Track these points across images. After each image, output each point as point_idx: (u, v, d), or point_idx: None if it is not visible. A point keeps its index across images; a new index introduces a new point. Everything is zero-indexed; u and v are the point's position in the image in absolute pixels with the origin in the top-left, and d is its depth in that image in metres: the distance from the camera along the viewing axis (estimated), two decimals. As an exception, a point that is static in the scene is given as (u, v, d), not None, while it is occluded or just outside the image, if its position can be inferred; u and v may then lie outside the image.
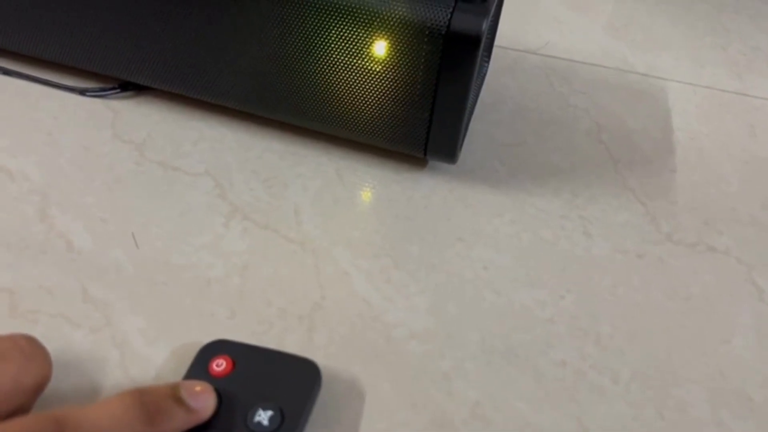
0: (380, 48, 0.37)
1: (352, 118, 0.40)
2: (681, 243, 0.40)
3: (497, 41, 0.53)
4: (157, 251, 0.37)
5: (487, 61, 0.47)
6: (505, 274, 0.37)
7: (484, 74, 0.47)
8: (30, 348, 0.27)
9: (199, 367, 0.30)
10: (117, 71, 0.43)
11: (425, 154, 0.40)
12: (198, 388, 0.28)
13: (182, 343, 0.32)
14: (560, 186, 0.42)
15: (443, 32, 0.35)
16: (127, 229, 0.37)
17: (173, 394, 0.27)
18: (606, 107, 0.49)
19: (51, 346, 0.28)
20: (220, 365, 0.30)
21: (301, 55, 0.38)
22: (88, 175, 0.40)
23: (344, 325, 0.34)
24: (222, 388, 0.29)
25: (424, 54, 0.36)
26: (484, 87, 0.48)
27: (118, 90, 0.45)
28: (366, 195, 0.41)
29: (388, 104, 0.38)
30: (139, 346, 0.32)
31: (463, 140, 0.41)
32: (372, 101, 0.39)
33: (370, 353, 0.33)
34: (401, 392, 0.32)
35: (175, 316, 0.34)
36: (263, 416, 0.29)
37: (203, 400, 0.28)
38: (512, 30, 0.55)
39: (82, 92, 0.44)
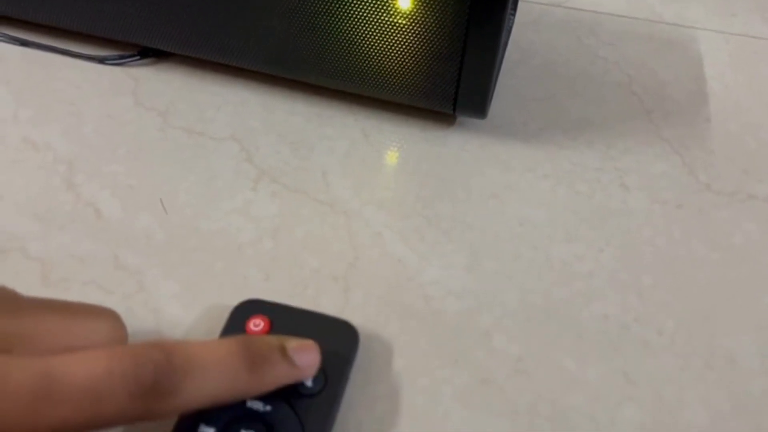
0: (406, 1, 0.36)
1: (379, 75, 0.39)
2: (721, 192, 0.39)
3: (520, -4, 0.52)
4: (186, 217, 0.36)
5: (513, 15, 0.46)
6: (541, 229, 0.37)
7: (510, 28, 0.46)
8: (108, 310, 0.27)
9: (235, 327, 0.30)
10: (135, 37, 0.42)
11: (454, 110, 0.39)
12: (306, 346, 0.27)
13: (217, 306, 0.32)
14: (593, 139, 0.41)
15: (472, -20, 0.34)
16: (155, 195, 0.37)
17: (280, 347, 0.26)
18: (636, 58, 0.47)
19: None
20: (257, 325, 0.30)
21: (324, 11, 0.37)
22: (113, 143, 0.39)
23: (379, 285, 0.34)
24: None
25: (451, 5, 0.35)
26: (510, 42, 0.47)
27: (138, 57, 0.44)
28: (394, 154, 0.40)
29: (416, 59, 0.37)
30: (174, 310, 0.32)
31: (492, 95, 0.40)
32: (399, 57, 0.37)
33: (408, 312, 0.33)
34: (441, 350, 0.31)
35: (208, 280, 0.33)
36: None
37: (309, 359, 0.27)
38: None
39: (101, 60, 0.44)
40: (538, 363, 0.31)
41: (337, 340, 0.30)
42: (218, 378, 0.24)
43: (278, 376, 0.26)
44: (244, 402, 0.27)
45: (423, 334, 0.32)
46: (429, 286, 0.34)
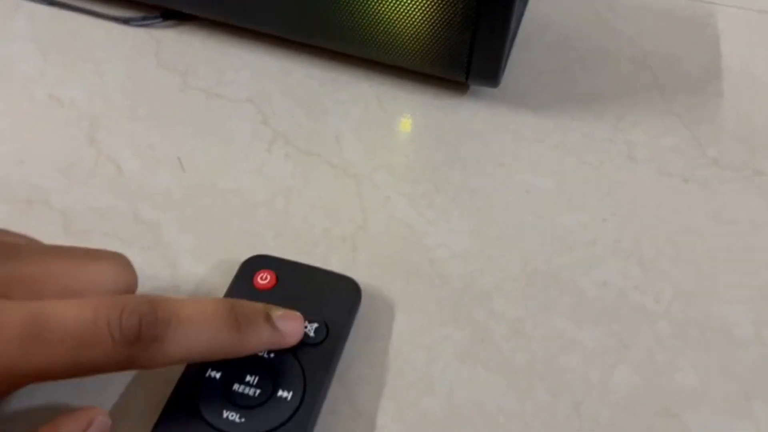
0: (422, -31, 0.36)
1: (394, 41, 0.39)
2: (727, 167, 0.39)
3: (540, -33, 0.52)
4: (203, 175, 0.37)
5: (530, -14, 0.46)
6: (548, 197, 0.37)
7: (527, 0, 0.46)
8: (121, 256, 0.28)
9: (243, 280, 0.31)
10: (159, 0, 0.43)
11: (467, 78, 0.40)
12: (290, 315, 0.28)
13: (229, 261, 0.33)
14: (604, 111, 0.42)
15: (487, -51, 0.34)
16: (174, 153, 0.38)
17: (265, 312, 0.27)
18: (652, 33, 0.48)
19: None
20: (264, 279, 0.31)
21: (341, -23, 0.38)
22: (134, 102, 0.41)
23: (386, 246, 0.35)
24: (267, 301, 0.30)
25: (466, -27, 0.35)
26: (526, 14, 0.47)
27: (161, 19, 0.45)
28: (407, 121, 0.41)
29: (430, 26, 0.38)
30: (188, 263, 0.33)
31: (505, 65, 0.41)
32: (414, 23, 0.38)
33: (412, 273, 0.34)
34: (443, 309, 0.33)
35: (223, 236, 0.35)
36: (309, 328, 0.29)
37: (292, 327, 0.28)
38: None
39: (125, 22, 0.45)
40: (537, 325, 0.32)
41: (341, 295, 0.31)
42: (201, 333, 0.25)
43: (260, 338, 0.27)
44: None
45: (426, 294, 0.33)
46: (434, 249, 0.35)
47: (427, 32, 0.38)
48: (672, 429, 0.29)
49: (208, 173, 0.37)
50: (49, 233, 0.34)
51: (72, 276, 0.26)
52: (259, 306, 0.28)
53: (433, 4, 0.37)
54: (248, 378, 0.28)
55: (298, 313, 0.29)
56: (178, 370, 0.28)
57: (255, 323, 0.27)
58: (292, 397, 0.27)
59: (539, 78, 0.44)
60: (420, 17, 0.38)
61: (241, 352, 0.27)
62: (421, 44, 0.39)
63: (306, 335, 0.29)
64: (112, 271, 0.27)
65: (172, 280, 0.33)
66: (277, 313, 0.28)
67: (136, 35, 0.45)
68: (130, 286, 0.28)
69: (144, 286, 0.32)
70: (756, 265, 0.35)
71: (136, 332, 0.24)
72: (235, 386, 0.28)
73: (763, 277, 0.34)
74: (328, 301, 0.31)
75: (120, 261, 0.28)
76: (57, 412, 0.26)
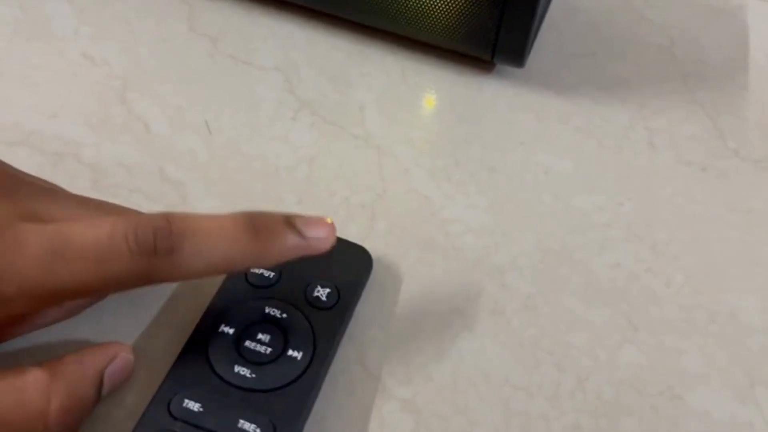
0: (454, -55, 0.36)
1: (421, 16, 0.40)
2: (747, 159, 0.39)
3: (572, -49, 0.52)
4: (229, 139, 0.38)
5: (561, -31, 0.46)
6: (565, 179, 0.38)
7: (557, -18, 0.46)
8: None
9: None
10: (193, -35, 0.44)
11: (493, 56, 0.40)
12: (317, 220, 0.27)
13: (251, 223, 0.34)
14: (628, 97, 0.42)
15: (520, -72, 0.34)
16: (201, 116, 0.39)
17: (286, 220, 0.27)
18: (681, 23, 0.47)
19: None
20: (280, 242, 0.32)
21: (374, -50, 0.38)
22: (165, 64, 0.42)
23: (404, 217, 0.36)
24: (282, 263, 0.31)
25: (498, -48, 0.36)
26: (555, -3, 0.47)
27: (194, -16, 0.46)
28: (430, 96, 0.41)
29: (458, 2, 0.38)
30: (212, 222, 0.34)
31: (531, 46, 0.41)
32: None
33: (427, 244, 0.35)
34: (455, 281, 0.33)
35: (246, 199, 0.36)
36: (321, 292, 0.30)
37: (318, 231, 0.27)
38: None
39: (159, -15, 0.46)
40: (547, 301, 0.33)
41: (353, 262, 0.32)
42: (219, 243, 0.25)
43: (285, 245, 0.26)
44: (263, 308, 0.29)
45: (440, 266, 0.34)
46: (450, 222, 0.36)
47: (454, 9, 0.39)
48: (675, 409, 0.30)
49: (234, 137, 0.38)
50: (78, 186, 0.35)
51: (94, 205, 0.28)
52: (280, 214, 0.27)
53: (463, -19, 0.37)
54: (260, 336, 0.29)
55: (325, 218, 0.27)
56: (194, 319, 0.29)
57: (276, 231, 0.26)
58: (302, 356, 0.28)
59: (566, 60, 0.44)
60: (449, -7, 0.38)
61: (265, 261, 0.27)
62: (448, 20, 0.39)
63: (318, 299, 0.30)
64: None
65: (195, 238, 0.34)
66: (302, 218, 0.27)
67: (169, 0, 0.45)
68: None
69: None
70: (767, 256, 0.35)
71: (152, 244, 0.24)
72: (247, 343, 0.29)
73: (775, 268, 0.35)
74: (341, 268, 0.32)
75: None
76: (77, 349, 0.27)
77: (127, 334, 0.30)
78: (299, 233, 0.26)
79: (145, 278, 0.25)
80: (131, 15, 0.44)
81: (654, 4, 0.49)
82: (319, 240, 0.27)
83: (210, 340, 0.29)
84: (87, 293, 0.26)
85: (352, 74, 0.42)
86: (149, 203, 0.35)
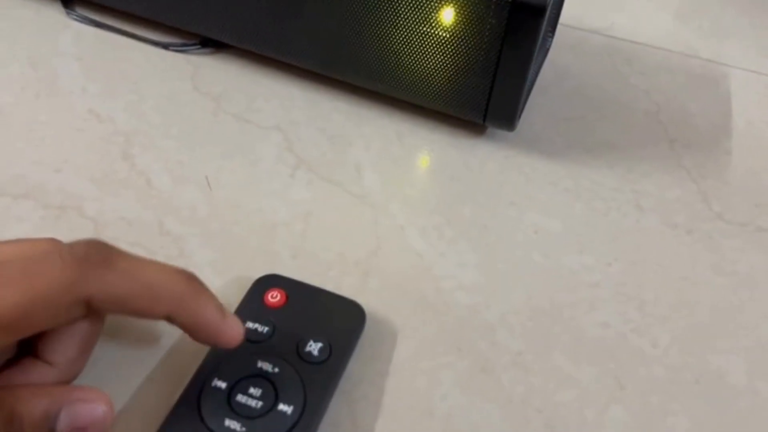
0: (448, 15, 0.38)
1: (417, 82, 0.42)
2: (731, 222, 0.40)
3: (562, 20, 0.54)
4: (228, 194, 0.39)
5: (551, 37, 0.48)
6: (555, 239, 0.39)
7: (547, 49, 0.48)
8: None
9: (254, 297, 0.33)
10: (198, 28, 0.46)
11: (484, 120, 0.42)
12: (237, 319, 0.28)
13: (245, 277, 0.35)
14: (615, 161, 0.43)
15: (509, 2, 0.36)
16: (202, 172, 0.40)
17: (217, 300, 0.28)
18: (666, 89, 0.49)
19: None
20: (275, 297, 0.33)
21: (372, 19, 0.40)
22: (168, 121, 0.43)
23: (396, 273, 0.36)
24: (276, 317, 0.32)
25: (489, 22, 0.37)
26: (546, 63, 0.49)
27: (199, 46, 0.47)
28: (424, 157, 0.43)
29: (452, 70, 0.40)
30: (208, 276, 0.35)
31: (522, 110, 0.43)
32: (437, 66, 0.40)
33: (419, 301, 0.35)
34: (446, 337, 0.34)
35: (243, 252, 0.36)
36: (314, 347, 0.31)
37: (236, 321, 0.28)
38: (578, 9, 0.56)
39: (165, 46, 0.47)
40: (536, 359, 0.33)
41: (346, 317, 0.33)
42: (153, 269, 0.26)
43: (208, 310, 0.27)
44: (255, 361, 0.30)
45: (431, 322, 0.34)
46: (442, 279, 0.36)
47: (449, 76, 0.40)
48: (661, 469, 0.30)
49: (233, 193, 0.39)
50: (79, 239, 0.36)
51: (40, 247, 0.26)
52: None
53: (457, 50, 0.39)
54: (251, 390, 0.29)
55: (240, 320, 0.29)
56: (185, 378, 0.30)
57: (206, 294, 0.27)
58: (293, 411, 0.29)
59: (555, 124, 0.46)
60: (444, 61, 0.40)
61: (185, 309, 0.26)
62: (442, 87, 0.41)
63: (310, 354, 0.31)
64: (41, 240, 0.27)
65: (191, 291, 0.35)
66: (228, 311, 0.28)
67: (175, 60, 0.47)
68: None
69: (164, 295, 0.34)
70: (754, 318, 0.36)
71: (84, 252, 0.24)
72: (239, 397, 0.29)
73: (760, 330, 0.35)
74: (334, 323, 0.32)
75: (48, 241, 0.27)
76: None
77: (123, 387, 0.31)
78: (222, 311, 0.27)
79: (73, 296, 0.24)
80: (137, 74, 0.46)
81: (641, 70, 0.51)
82: (232, 328, 0.28)
83: (202, 394, 0.29)
84: (14, 314, 0.23)
85: (350, 134, 0.44)
86: (148, 255, 0.35)
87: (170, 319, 0.27)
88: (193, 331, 0.27)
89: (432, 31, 0.39)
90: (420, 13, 0.39)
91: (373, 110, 0.45)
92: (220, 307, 0.28)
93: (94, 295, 0.24)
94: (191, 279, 0.27)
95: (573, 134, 0.45)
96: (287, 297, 0.33)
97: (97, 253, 0.25)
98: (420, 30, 0.39)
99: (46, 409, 0.25)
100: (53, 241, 0.25)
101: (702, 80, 0.51)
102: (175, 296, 0.26)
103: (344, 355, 0.31)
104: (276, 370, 0.30)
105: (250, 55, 0.48)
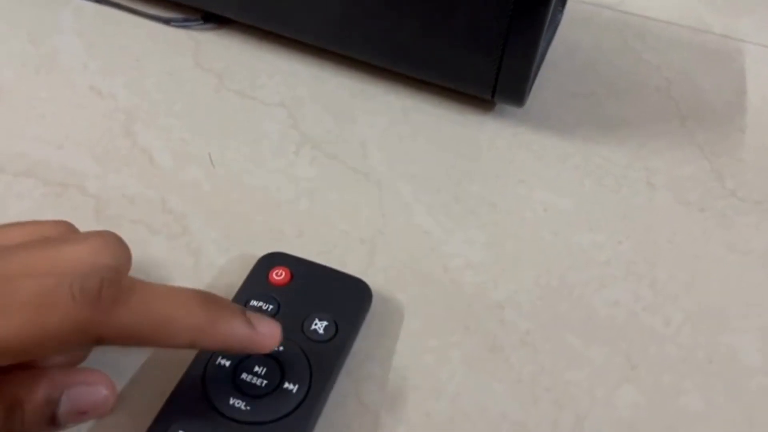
0: (456, -13, 0.37)
1: (424, 57, 0.41)
2: (745, 200, 0.40)
3: (572, -5, 0.53)
4: (231, 172, 0.39)
5: (561, 11, 0.47)
6: (565, 216, 0.38)
7: (557, 24, 0.47)
8: (110, 236, 0.27)
9: (258, 275, 0.32)
10: (201, 3, 0.45)
11: (493, 96, 0.41)
12: (268, 319, 0.27)
13: (250, 255, 0.34)
14: (626, 137, 0.43)
15: (520, -28, 0.35)
16: (205, 149, 0.40)
17: (239, 307, 0.27)
18: (679, 65, 0.48)
19: (131, 249, 0.30)
20: (279, 275, 0.32)
21: (378, -9, 0.39)
22: (170, 98, 0.42)
23: (403, 251, 0.36)
24: (281, 295, 0.31)
25: (499, -6, 0.37)
26: (556, 38, 0.48)
27: (201, 21, 0.47)
28: (431, 133, 0.42)
29: (460, 44, 0.39)
30: (211, 253, 0.35)
31: (531, 86, 0.42)
32: (444, 40, 0.39)
33: (426, 279, 0.35)
34: (454, 316, 0.33)
35: (247, 230, 0.36)
36: (319, 325, 0.30)
37: (269, 328, 0.27)
38: (588, -16, 0.55)
39: (167, 22, 0.47)
40: (546, 338, 0.33)
41: (351, 295, 0.32)
42: (169, 303, 0.24)
43: (232, 328, 0.26)
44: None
45: (438, 301, 0.34)
46: (449, 257, 0.36)
47: (456, 51, 0.39)
48: (673, 449, 0.30)
49: (236, 170, 0.39)
50: (81, 217, 0.35)
51: (51, 262, 0.25)
52: (233, 303, 0.27)
53: (464, 23, 0.38)
54: (256, 368, 0.29)
55: (276, 322, 0.27)
56: (189, 357, 0.29)
57: (228, 311, 0.26)
58: (298, 389, 0.28)
59: (565, 100, 0.45)
60: (451, 35, 0.39)
61: (210, 338, 0.25)
62: (450, 62, 0.40)
63: (315, 332, 0.30)
64: (90, 251, 0.26)
65: (194, 269, 0.34)
66: (253, 313, 0.27)
67: (177, 36, 0.46)
68: (118, 261, 0.26)
69: (166, 273, 0.34)
70: (766, 296, 0.35)
71: (97, 291, 0.23)
72: (243, 375, 0.28)
73: (774, 309, 0.35)
74: (339, 301, 0.32)
75: (104, 239, 0.26)
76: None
77: (126, 365, 0.30)
78: (249, 323, 0.26)
79: (86, 331, 0.23)
80: (139, 50, 0.45)
81: (652, 46, 0.50)
82: (265, 336, 0.26)
83: (207, 372, 0.29)
84: (23, 348, 0.22)
85: (355, 111, 0.43)
86: (150, 234, 0.35)
87: (194, 348, 0.26)
88: (223, 350, 0.28)
89: (439, 3, 0.38)
90: (427, -14, 0.38)
91: (378, 86, 0.44)
92: (248, 321, 0.26)
93: (104, 335, 0.23)
94: (209, 304, 0.25)
95: (583, 111, 0.44)
96: (292, 275, 0.32)
97: (109, 289, 0.23)
98: (426, 2, 0.38)
99: (48, 394, 0.24)
100: (71, 271, 0.23)
101: (715, 56, 0.50)
102: (194, 328, 0.25)
103: (350, 334, 0.31)
104: (281, 348, 0.29)
105: (253, 30, 0.47)
